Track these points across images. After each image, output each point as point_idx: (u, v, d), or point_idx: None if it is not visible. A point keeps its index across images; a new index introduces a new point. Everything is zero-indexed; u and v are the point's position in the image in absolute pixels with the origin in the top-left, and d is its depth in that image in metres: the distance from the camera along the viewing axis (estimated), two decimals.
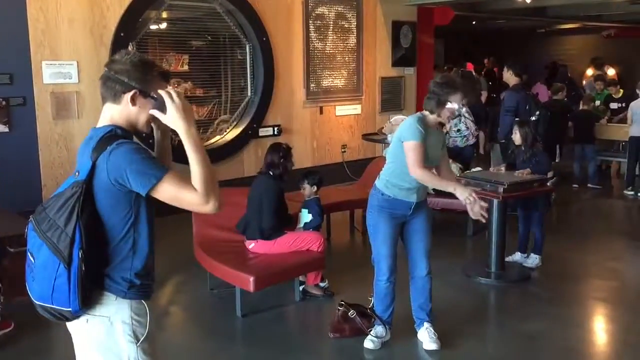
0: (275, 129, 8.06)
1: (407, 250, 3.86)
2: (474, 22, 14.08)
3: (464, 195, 3.43)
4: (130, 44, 6.67)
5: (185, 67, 7.93)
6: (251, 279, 4.06)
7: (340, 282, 4.80)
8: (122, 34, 6.61)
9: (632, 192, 8.07)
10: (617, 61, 15.11)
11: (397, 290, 3.85)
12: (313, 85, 8.48)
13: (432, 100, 3.64)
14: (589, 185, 8.48)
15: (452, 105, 3.59)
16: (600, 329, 4.44)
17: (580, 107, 8.81)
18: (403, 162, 3.62)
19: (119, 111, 2.00)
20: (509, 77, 6.89)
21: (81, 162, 1.97)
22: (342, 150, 8.82)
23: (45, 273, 1.91)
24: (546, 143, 8.39)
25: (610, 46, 16.16)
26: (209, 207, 1.90)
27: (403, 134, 3.63)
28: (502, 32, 16.31)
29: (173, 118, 1.95)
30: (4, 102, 5.95)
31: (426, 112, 3.70)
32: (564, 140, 8.78)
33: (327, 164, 8.46)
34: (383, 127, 7.54)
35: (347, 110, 8.92)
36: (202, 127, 7.64)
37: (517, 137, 5.36)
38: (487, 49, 16.03)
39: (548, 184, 5.20)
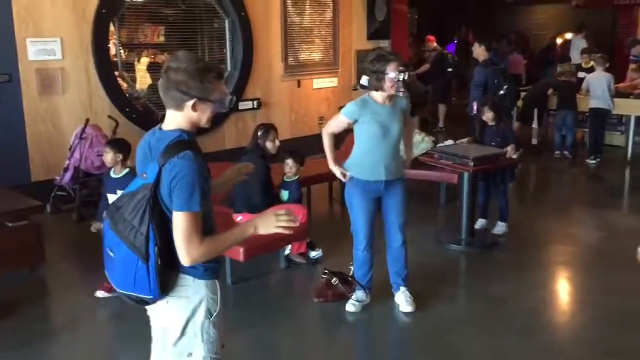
0: (255, 102, 8.27)
1: (384, 222, 4.16)
2: None
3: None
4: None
5: (162, 39, 8.05)
6: (241, 249, 4.36)
7: (322, 250, 5.11)
8: (103, 10, 6.71)
9: (593, 161, 8.52)
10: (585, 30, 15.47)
11: (375, 257, 4.18)
12: (291, 59, 8.67)
13: (372, 79, 3.93)
14: (565, 152, 8.85)
15: (390, 74, 3.85)
16: (560, 289, 4.87)
17: (562, 78, 9.12)
18: (359, 140, 3.97)
19: (182, 117, 2.16)
20: (480, 52, 7.19)
21: (146, 164, 2.16)
22: (320, 122, 9.07)
23: (125, 267, 2.12)
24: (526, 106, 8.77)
25: (578, 15, 16.52)
26: (185, 261, 2.11)
27: None
28: (472, 1, 16.53)
29: (262, 226, 2.17)
30: None
31: (372, 93, 3.98)
32: (543, 106, 9.18)
33: (305, 136, 8.70)
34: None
35: (324, 83, 9.16)
36: None
37: (489, 116, 5.66)
38: (459, 18, 16.28)
39: (514, 155, 5.54)
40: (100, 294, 4.40)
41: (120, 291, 2.21)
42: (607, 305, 4.31)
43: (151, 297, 2.15)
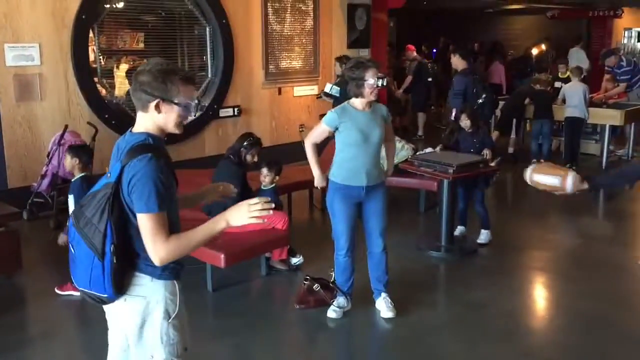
0: (235, 109, 8.27)
1: (364, 228, 4.19)
2: (424, 2, 14.44)
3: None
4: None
5: (141, 45, 8.02)
6: (222, 255, 4.35)
7: (303, 257, 5.12)
8: (83, 16, 6.67)
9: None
10: (559, 41, 15.78)
11: (356, 263, 4.20)
12: (272, 66, 8.70)
13: (352, 85, 3.97)
14: (541, 161, 8.91)
15: (369, 81, 3.89)
16: (537, 295, 4.93)
17: (538, 88, 9.26)
18: (340, 147, 4.01)
19: (148, 119, 2.19)
20: (457, 62, 7.29)
21: (113, 164, 2.18)
22: (300, 129, 9.07)
23: (83, 264, 2.15)
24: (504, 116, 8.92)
25: (553, 26, 16.83)
26: (155, 262, 2.12)
27: None
28: (451, 11, 16.76)
29: (234, 218, 2.14)
30: None
31: (352, 100, 4.03)
32: (521, 115, 9.34)
33: (286, 144, 8.73)
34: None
35: (305, 90, 9.19)
36: None
37: (467, 123, 5.73)
38: (438, 28, 16.48)
39: (492, 163, 5.62)
40: (59, 290, 4.48)
41: (80, 289, 2.23)
42: (584, 309, 4.39)
43: (106, 295, 2.16)
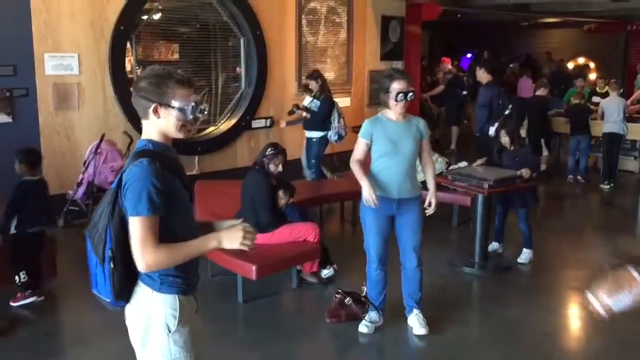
0: (268, 120, 8.30)
1: (398, 243, 4.13)
2: (459, 15, 14.37)
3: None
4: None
5: (176, 56, 8.12)
6: (254, 267, 4.34)
7: (335, 268, 5.07)
8: (121, 27, 6.79)
9: (607, 186, 8.47)
10: (597, 54, 15.52)
11: (389, 278, 4.15)
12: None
13: (382, 95, 3.96)
14: (578, 177, 8.78)
15: (393, 92, 3.86)
16: (573, 315, 4.80)
17: (572, 102, 9.13)
18: (373, 157, 3.98)
19: (150, 125, 2.20)
20: (482, 76, 7.24)
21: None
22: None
23: (91, 267, 2.22)
24: (531, 139, 8.80)
25: (590, 40, 16.57)
26: (140, 266, 2.09)
27: None
28: (485, 24, 16.64)
29: (226, 240, 2.13)
30: (7, 93, 6.12)
31: (386, 110, 4.02)
32: (549, 133, 9.13)
33: None
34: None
35: (338, 102, 9.16)
36: None
37: (506, 141, 5.64)
38: (471, 41, 16.36)
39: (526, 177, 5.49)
40: (12, 302, 4.51)
41: (93, 291, 2.24)
42: (623, 330, 4.24)
43: (108, 300, 2.18)
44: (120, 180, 2.12)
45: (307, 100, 7.46)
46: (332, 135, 7.34)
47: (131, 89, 2.24)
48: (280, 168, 4.87)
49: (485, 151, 6.34)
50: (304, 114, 7.33)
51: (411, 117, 4.04)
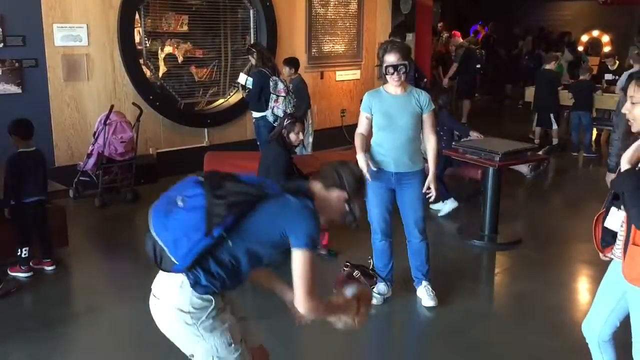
0: None
1: (401, 216, 4.10)
2: None
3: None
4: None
5: (185, 28, 8.05)
6: None
7: (341, 242, 5.08)
8: None
9: None
10: (612, 28, 15.25)
11: (397, 250, 4.14)
12: (314, 50, 8.64)
13: (381, 69, 3.90)
14: (584, 153, 8.76)
15: (386, 63, 3.79)
16: (583, 288, 4.79)
17: (580, 77, 9.01)
18: (373, 130, 3.93)
19: (322, 195, 2.34)
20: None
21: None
22: (342, 114, 9.04)
23: (184, 222, 2.08)
24: (540, 113, 8.70)
25: (605, 13, 16.26)
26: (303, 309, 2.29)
27: None
28: None
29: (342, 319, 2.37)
30: (17, 64, 6.11)
31: (387, 84, 3.95)
32: (558, 107, 9.03)
33: (327, 128, 8.68)
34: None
35: (347, 75, 9.11)
36: (203, 89, 7.85)
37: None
38: (483, 12, 16.11)
39: (541, 152, 5.47)
40: (10, 271, 4.50)
41: (155, 236, 2.09)
42: None
43: (176, 263, 2.08)
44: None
45: (242, 78, 7.05)
46: (269, 115, 6.51)
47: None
48: (301, 136, 4.84)
49: None
50: (242, 92, 6.96)
51: (412, 90, 3.97)
